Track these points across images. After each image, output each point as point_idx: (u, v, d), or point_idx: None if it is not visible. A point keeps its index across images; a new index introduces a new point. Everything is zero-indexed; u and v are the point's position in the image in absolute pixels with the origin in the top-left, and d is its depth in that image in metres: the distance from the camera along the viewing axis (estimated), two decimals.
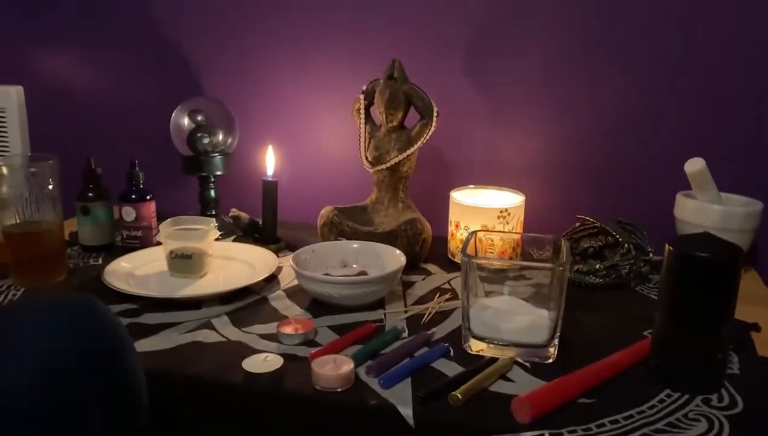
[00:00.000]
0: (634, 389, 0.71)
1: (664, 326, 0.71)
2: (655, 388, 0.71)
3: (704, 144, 1.12)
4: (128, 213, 1.11)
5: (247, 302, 0.93)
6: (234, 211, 1.17)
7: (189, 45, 1.36)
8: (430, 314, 0.90)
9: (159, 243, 1.05)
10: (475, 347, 0.79)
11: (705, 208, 1.03)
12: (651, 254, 1.03)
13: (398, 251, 0.98)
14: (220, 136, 1.26)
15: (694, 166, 1.03)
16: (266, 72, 1.33)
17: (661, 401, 0.69)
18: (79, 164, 1.11)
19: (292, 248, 1.10)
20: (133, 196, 1.11)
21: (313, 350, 0.77)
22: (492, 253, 0.89)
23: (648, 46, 1.14)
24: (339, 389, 0.70)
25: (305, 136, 1.34)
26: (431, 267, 1.09)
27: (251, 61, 1.33)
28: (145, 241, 1.12)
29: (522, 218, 1.09)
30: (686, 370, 0.71)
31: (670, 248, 0.69)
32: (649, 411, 0.67)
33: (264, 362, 0.73)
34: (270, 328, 0.84)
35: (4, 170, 0.95)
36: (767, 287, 1.05)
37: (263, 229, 1.16)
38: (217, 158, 1.25)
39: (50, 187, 0.96)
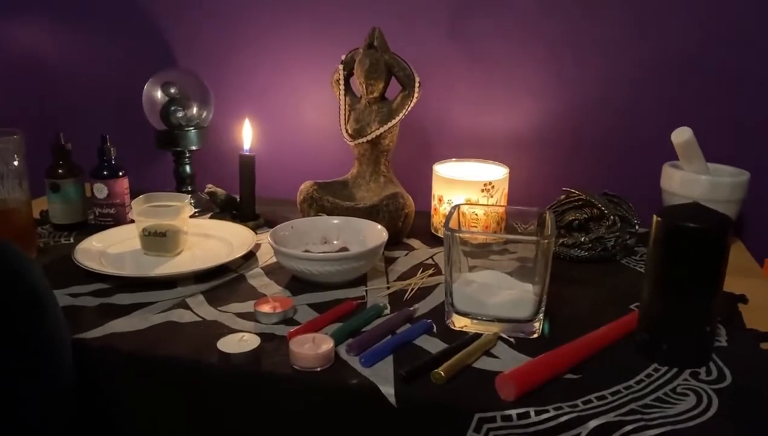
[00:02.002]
0: (621, 363, 0.69)
1: (651, 299, 0.70)
2: (642, 362, 0.70)
3: (690, 114, 1.10)
4: (100, 190, 1.07)
5: (224, 281, 0.90)
6: (210, 187, 1.14)
7: (162, 14, 1.31)
8: (412, 290, 0.87)
9: (132, 221, 1.01)
10: (459, 323, 0.77)
11: (692, 179, 1.01)
12: (637, 227, 1.02)
13: (380, 227, 0.95)
14: (195, 110, 1.22)
15: (681, 136, 1.01)
16: (241, 42, 1.28)
17: (649, 375, 0.67)
18: (48, 140, 1.07)
19: (270, 224, 1.08)
20: (105, 173, 1.07)
21: (292, 329, 0.75)
22: (476, 227, 0.87)
23: (633, 18, 1.11)
24: (318, 369, 0.67)
25: (283, 109, 1.30)
26: (414, 242, 1.06)
27: (226, 31, 1.28)
28: (118, 218, 1.09)
29: (506, 191, 1.07)
30: (674, 343, 0.69)
31: (659, 218, 0.67)
32: (636, 386, 0.65)
33: (240, 341, 0.71)
34: (247, 307, 0.82)
35: None
36: (754, 258, 1.04)
37: (241, 205, 1.13)
38: (192, 132, 1.21)
39: (15, 163, 0.92)
